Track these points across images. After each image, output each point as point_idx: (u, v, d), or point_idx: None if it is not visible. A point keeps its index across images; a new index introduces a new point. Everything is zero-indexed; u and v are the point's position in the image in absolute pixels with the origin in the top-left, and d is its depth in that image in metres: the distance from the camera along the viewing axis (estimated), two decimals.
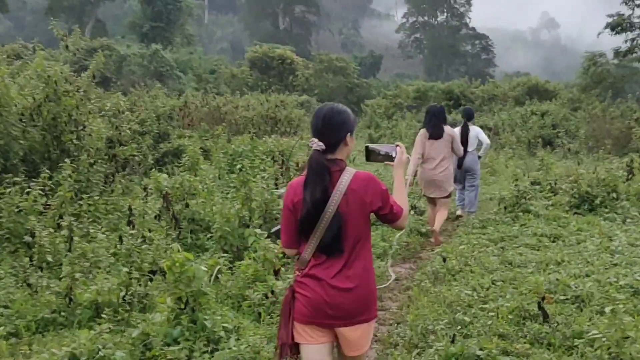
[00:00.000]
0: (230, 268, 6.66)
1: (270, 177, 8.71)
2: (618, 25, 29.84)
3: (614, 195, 11.30)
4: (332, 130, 3.27)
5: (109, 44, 52.39)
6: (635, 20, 29.92)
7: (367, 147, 3.58)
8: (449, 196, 9.43)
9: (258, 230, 6.23)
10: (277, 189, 8.16)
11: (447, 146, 9.01)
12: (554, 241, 8.95)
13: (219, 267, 5.91)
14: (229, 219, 7.32)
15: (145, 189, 8.73)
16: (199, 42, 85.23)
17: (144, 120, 15.83)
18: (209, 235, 7.60)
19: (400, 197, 3.43)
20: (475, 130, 11.23)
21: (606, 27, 30.33)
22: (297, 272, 3.35)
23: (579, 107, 31.41)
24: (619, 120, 25.47)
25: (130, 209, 7.50)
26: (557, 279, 6.63)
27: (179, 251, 4.98)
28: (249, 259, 6.33)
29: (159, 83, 33.27)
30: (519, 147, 24.74)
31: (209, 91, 33.55)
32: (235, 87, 52.61)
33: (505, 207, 11.18)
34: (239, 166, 8.25)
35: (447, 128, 9.15)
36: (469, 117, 11.27)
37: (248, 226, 7.62)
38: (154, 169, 13.51)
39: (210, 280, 5.69)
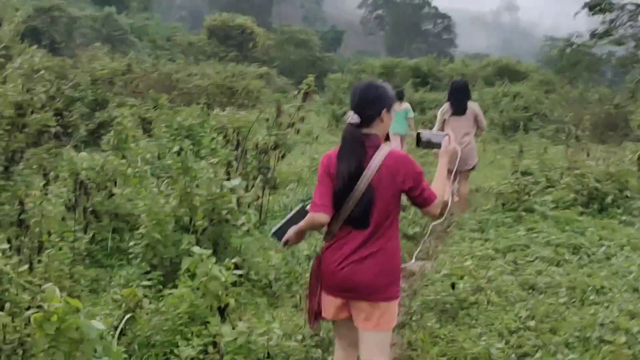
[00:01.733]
0: (159, 296, 4.72)
1: (221, 162, 6.68)
2: (597, 6, 28.32)
3: (628, 193, 9.62)
4: (367, 104, 3.29)
5: (59, 5, 49.24)
6: (615, 0, 28.45)
7: (418, 134, 3.58)
8: (473, 169, 9.35)
9: (196, 248, 4.22)
10: (228, 178, 6.14)
11: (470, 121, 8.87)
12: (574, 253, 7.18)
13: (127, 316, 3.89)
14: (161, 221, 5.31)
15: (46, 174, 6.57)
16: (158, 9, 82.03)
17: (78, 84, 13.57)
18: (133, 242, 5.55)
19: (438, 185, 3.38)
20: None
21: (584, 7, 28.77)
22: (324, 243, 3.38)
23: (551, 89, 30.03)
24: (597, 105, 24.06)
25: (21, 203, 5.36)
26: (611, 321, 4.83)
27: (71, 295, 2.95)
28: (184, 285, 4.35)
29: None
30: (492, 130, 23.05)
31: (160, 58, 30.89)
32: (192, 55, 50.38)
33: (503, 205, 9.40)
34: (175, 148, 6.11)
35: (470, 103, 8.96)
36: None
37: (188, 230, 5.63)
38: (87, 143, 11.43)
39: (117, 334, 3.68)
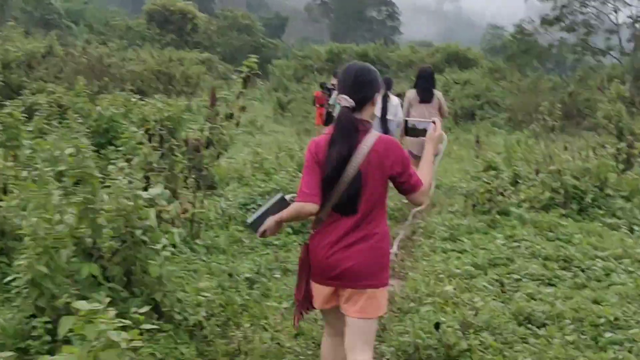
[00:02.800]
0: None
1: (138, 165, 5.29)
2: None
3: (609, 191, 8.63)
4: (363, 88, 3.19)
5: None
6: None
7: (405, 122, 3.55)
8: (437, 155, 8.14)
9: (81, 303, 2.87)
10: (148, 188, 4.77)
11: (435, 108, 8.80)
12: (565, 268, 6.09)
13: None
14: (48, 247, 3.92)
15: None
16: None
17: None
18: (13, 275, 4.14)
19: (424, 172, 3.28)
20: (395, 100, 10.14)
21: None
22: (312, 231, 3.27)
23: (501, 77, 29.37)
24: (550, 93, 23.38)
25: None
26: None
27: None
28: (68, 352, 2.99)
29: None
30: (444, 119, 22.09)
31: (91, 42, 28.87)
32: (130, 40, 48.29)
33: (474, 206, 8.29)
34: (68, 150, 4.63)
35: (435, 92, 8.95)
36: (388, 86, 10.46)
37: (91, 256, 4.26)
38: None
39: None
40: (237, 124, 6.30)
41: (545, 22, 27.95)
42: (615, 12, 25.74)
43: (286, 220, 3.30)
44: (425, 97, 8.79)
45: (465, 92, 25.76)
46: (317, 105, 16.97)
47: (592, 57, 26.66)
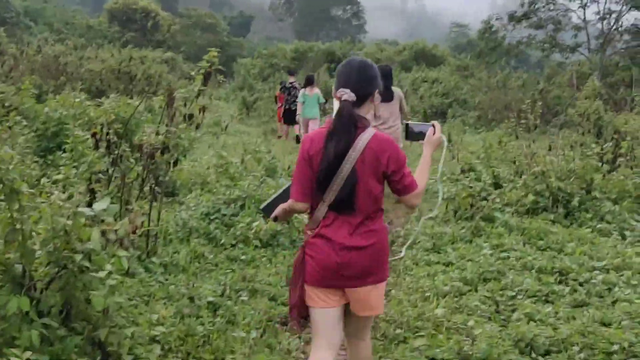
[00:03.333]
0: None
1: (82, 175, 4.57)
2: None
3: (596, 194, 8.15)
4: (365, 83, 3.11)
5: None
6: None
7: (406, 125, 3.48)
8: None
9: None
10: (92, 203, 4.08)
11: (396, 106, 8.66)
12: (562, 282, 5.55)
13: None
14: None
15: None
16: None
17: None
18: None
19: (420, 175, 3.21)
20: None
21: None
22: (308, 232, 3.18)
23: (469, 75, 29.05)
24: (520, 91, 23.05)
25: None
26: None
27: None
28: None
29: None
30: (414, 118, 21.61)
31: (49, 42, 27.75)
32: (92, 40, 46.97)
33: (455, 212, 7.73)
34: None
35: (395, 89, 8.75)
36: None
37: (21, 287, 3.57)
38: None
39: None
40: (197, 126, 5.62)
41: (514, 19, 27.64)
42: (584, 8, 25.49)
43: (285, 213, 3.26)
44: (386, 96, 8.49)
45: (434, 90, 25.35)
46: (279, 105, 17.35)
47: (561, 54, 26.42)
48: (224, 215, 6.82)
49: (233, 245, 6.31)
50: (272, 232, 6.43)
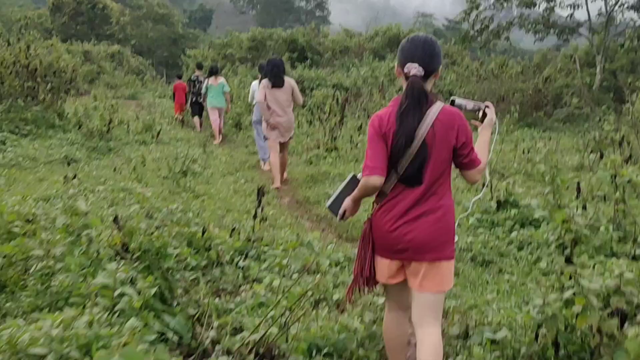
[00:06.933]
0: None
1: None
2: None
3: None
4: (432, 58, 3.10)
5: None
6: None
7: (452, 101, 3.38)
8: (291, 138, 10.03)
9: None
10: None
11: (289, 94, 9.59)
12: None
13: None
14: None
15: None
16: None
17: None
18: None
19: (481, 152, 3.23)
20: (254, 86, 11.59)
21: None
22: (375, 205, 3.22)
23: (451, 62, 25.57)
24: (519, 77, 19.58)
25: None
26: None
27: None
28: None
29: None
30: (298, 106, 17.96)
31: None
32: (30, 34, 42.37)
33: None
34: None
35: (287, 78, 9.70)
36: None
37: None
38: None
39: None
40: None
41: None
42: None
43: (358, 197, 3.24)
44: (278, 82, 9.53)
45: None
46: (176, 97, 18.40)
47: (558, 37, 22.94)
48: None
49: None
50: None
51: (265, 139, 9.86)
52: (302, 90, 22.84)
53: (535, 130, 16.73)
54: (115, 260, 3.58)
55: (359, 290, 3.28)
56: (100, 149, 11.70)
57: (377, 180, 3.04)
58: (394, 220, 3.08)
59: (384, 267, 3.18)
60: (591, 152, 12.24)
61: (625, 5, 22.03)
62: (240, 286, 4.47)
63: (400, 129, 3.00)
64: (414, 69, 3.02)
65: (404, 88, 3.06)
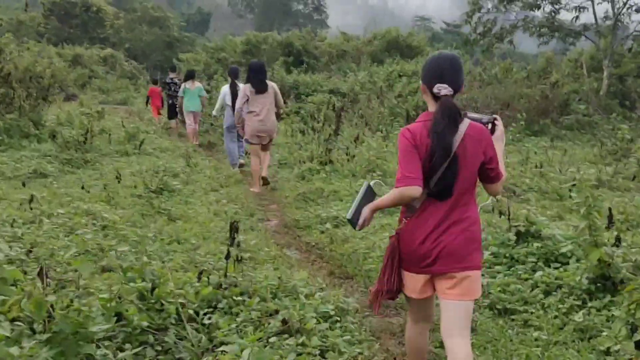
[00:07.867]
0: None
1: None
2: None
3: None
4: (458, 75, 3.13)
5: None
6: None
7: (465, 115, 3.30)
8: (271, 141, 9.98)
9: None
10: None
11: (272, 98, 9.57)
12: None
13: None
14: None
15: None
16: None
17: None
18: None
19: (501, 165, 3.25)
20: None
21: None
22: (403, 220, 3.22)
23: None
24: (525, 83, 18.67)
25: None
26: None
27: None
28: None
29: None
30: (396, 122, 17.01)
31: None
32: (25, 37, 41.50)
33: None
34: None
35: (269, 83, 9.66)
36: (235, 75, 11.58)
37: None
38: None
39: None
40: None
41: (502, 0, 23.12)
42: None
43: (385, 206, 3.29)
44: (262, 87, 9.49)
45: (415, 86, 20.70)
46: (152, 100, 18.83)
47: (563, 40, 22.02)
48: None
49: None
50: None
51: (248, 142, 9.84)
52: (297, 97, 21.99)
53: (542, 139, 15.79)
54: (24, 338, 2.64)
55: (377, 305, 3.29)
56: (75, 161, 10.71)
57: (416, 190, 3.03)
58: (425, 235, 3.10)
59: (413, 282, 3.21)
60: (607, 164, 11.35)
61: (634, 8, 21.14)
62: (202, 354, 3.53)
63: (439, 145, 3.01)
64: (444, 89, 3.06)
65: (437, 108, 3.07)
